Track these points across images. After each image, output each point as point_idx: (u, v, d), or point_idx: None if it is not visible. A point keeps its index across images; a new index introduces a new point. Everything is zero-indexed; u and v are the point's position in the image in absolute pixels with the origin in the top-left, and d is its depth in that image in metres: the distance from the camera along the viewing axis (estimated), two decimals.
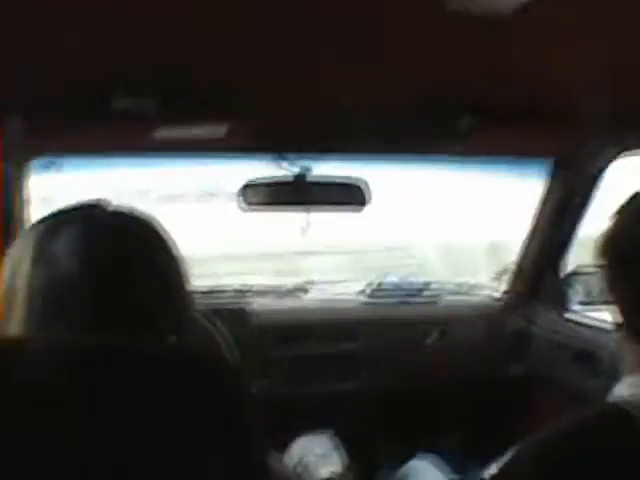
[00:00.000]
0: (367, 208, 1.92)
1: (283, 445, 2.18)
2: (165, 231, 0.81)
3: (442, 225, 4.98)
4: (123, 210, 0.79)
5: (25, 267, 0.71)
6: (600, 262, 0.85)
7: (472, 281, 2.64)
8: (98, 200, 0.79)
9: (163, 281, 0.77)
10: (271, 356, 2.23)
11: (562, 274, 2.22)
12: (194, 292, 2.28)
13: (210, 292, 2.36)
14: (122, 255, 0.74)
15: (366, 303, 2.43)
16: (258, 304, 2.34)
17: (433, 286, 2.53)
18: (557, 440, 0.80)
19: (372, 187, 1.89)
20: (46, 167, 1.81)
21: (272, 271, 3.76)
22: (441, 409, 2.32)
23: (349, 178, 1.91)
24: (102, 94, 1.37)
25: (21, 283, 0.70)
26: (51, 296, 0.70)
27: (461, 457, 2.17)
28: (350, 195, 1.89)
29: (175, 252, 0.81)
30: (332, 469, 2.04)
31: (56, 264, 0.70)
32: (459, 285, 2.59)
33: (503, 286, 2.49)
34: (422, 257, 4.47)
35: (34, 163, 1.78)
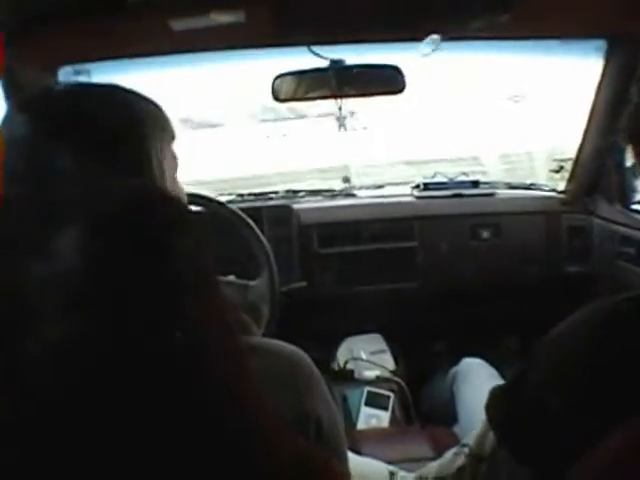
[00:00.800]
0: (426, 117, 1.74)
1: (332, 344, 2.11)
2: None
3: (505, 134, 4.75)
4: None
5: None
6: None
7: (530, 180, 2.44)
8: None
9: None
10: (317, 254, 2.10)
11: (626, 164, 1.97)
12: (245, 195, 2.22)
13: (261, 194, 2.27)
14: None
15: (419, 197, 2.25)
16: (308, 203, 2.23)
17: (491, 181, 2.35)
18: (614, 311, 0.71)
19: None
20: (74, 75, 1.72)
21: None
22: (497, 310, 2.15)
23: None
24: None
25: None
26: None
27: (516, 362, 2.04)
28: (390, 80, 1.67)
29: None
30: (378, 371, 1.96)
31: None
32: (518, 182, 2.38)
33: (562, 183, 2.26)
34: (487, 166, 4.30)
35: (62, 72, 1.70)
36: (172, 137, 0.78)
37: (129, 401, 0.48)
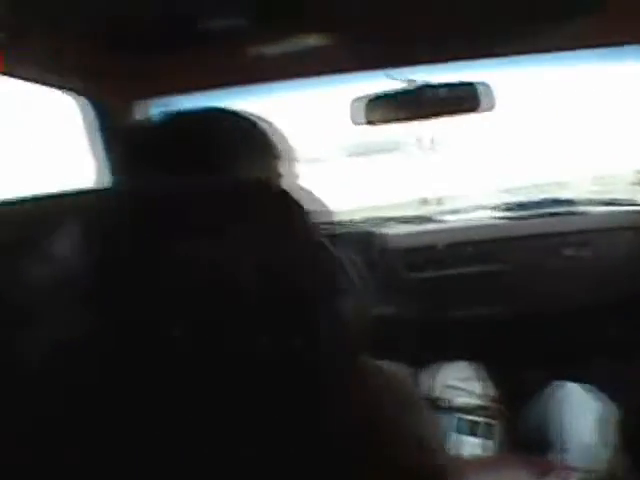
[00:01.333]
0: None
1: (420, 371, 2.03)
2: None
3: (593, 157, 4.57)
4: None
5: None
6: None
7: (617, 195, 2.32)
8: None
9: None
10: (404, 279, 2.06)
11: None
12: (328, 223, 2.21)
13: (347, 222, 2.26)
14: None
15: (506, 218, 2.18)
16: (394, 229, 2.20)
17: (575, 199, 2.25)
18: None
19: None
20: (160, 108, 1.76)
21: None
22: (590, 333, 2.04)
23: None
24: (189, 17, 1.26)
25: None
26: None
27: (613, 388, 1.92)
28: (476, 98, 1.63)
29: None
30: (469, 399, 1.88)
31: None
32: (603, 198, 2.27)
33: None
34: (578, 191, 4.16)
35: (146, 106, 1.72)
36: (275, 155, 0.78)
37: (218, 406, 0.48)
